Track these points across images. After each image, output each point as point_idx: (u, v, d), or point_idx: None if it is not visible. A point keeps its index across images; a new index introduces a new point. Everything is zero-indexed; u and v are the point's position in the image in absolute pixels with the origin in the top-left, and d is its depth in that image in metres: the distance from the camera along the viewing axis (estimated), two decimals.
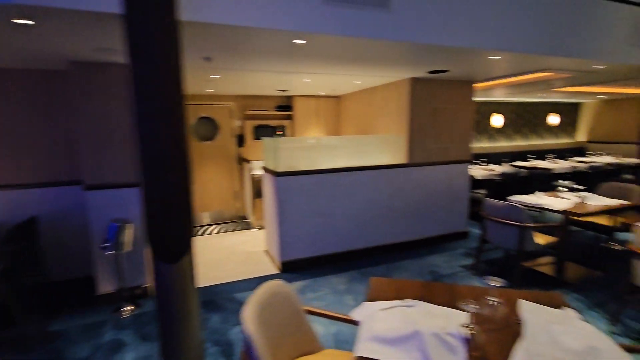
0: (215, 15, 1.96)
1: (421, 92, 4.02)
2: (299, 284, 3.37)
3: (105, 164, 2.90)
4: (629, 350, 1.18)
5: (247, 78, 3.89)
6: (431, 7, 2.44)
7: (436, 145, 4.22)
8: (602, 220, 3.72)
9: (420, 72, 3.69)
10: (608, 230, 3.73)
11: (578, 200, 3.31)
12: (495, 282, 1.29)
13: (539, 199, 3.43)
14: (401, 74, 3.80)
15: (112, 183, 2.93)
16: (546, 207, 3.23)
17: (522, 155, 6.93)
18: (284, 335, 1.44)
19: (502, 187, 5.12)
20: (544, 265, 3.57)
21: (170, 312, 1.92)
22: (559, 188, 3.72)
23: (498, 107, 6.95)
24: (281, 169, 3.58)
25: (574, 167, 5.95)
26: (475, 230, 4.67)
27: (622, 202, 3.31)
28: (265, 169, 3.93)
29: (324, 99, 5.86)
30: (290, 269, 3.66)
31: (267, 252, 4.21)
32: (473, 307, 1.16)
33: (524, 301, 1.48)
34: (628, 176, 6.30)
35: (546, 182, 5.52)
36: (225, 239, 4.91)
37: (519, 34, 2.79)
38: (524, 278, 3.34)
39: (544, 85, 4.81)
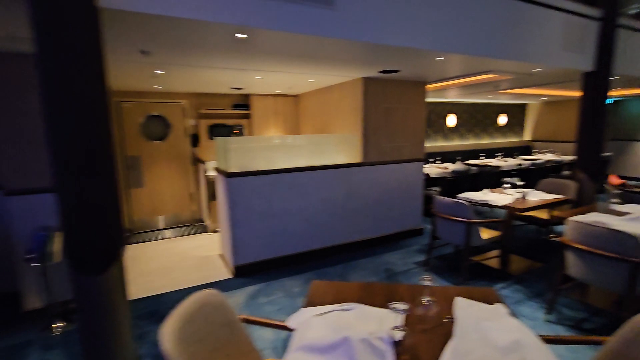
0: (144, 4, 1.81)
1: (374, 91, 4.05)
2: (252, 288, 3.26)
3: (28, 166, 2.61)
4: (549, 341, 1.22)
5: (196, 75, 3.71)
6: (376, 6, 2.44)
7: (390, 144, 4.28)
8: (543, 214, 3.96)
9: (372, 72, 3.71)
10: (546, 224, 3.98)
11: (519, 196, 3.49)
12: (428, 281, 1.28)
13: (485, 195, 3.58)
14: (353, 73, 3.80)
15: (38, 187, 2.65)
16: (491, 203, 3.37)
17: (475, 153, 7.27)
18: (214, 349, 1.35)
19: (454, 184, 5.31)
20: (491, 258, 3.73)
21: (95, 330, 1.75)
22: (504, 185, 3.92)
23: (452, 107, 7.23)
24: (233, 169, 3.45)
25: (520, 164, 6.32)
26: (430, 227, 4.80)
27: (557, 196, 3.54)
28: (217, 170, 3.78)
29: (281, 98, 5.76)
30: (244, 273, 3.54)
31: (221, 256, 4.05)
32: (402, 308, 1.14)
33: (459, 298, 1.50)
34: (566, 172, 6.81)
35: (495, 179, 5.81)
36: (179, 243, 4.67)
37: (463, 36, 2.87)
38: (472, 272, 3.47)
39: (491, 86, 5.05)
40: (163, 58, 2.89)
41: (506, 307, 1.40)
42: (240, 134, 5.68)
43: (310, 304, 1.53)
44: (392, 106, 4.22)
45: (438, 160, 6.37)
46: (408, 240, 4.49)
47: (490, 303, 1.47)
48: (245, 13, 2.06)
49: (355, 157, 4.16)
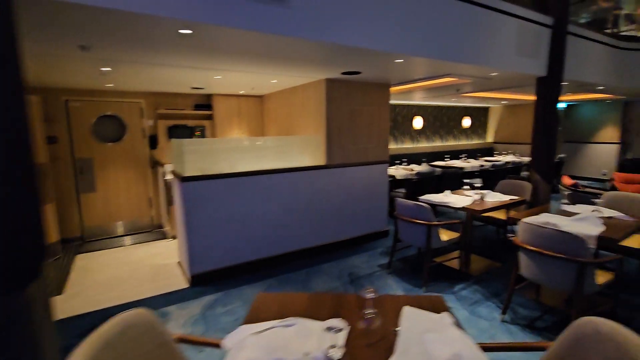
0: None
1: (338, 93, 4.01)
2: (209, 298, 3.10)
3: None
4: (492, 348, 1.20)
5: (149, 72, 3.50)
6: (331, 6, 2.38)
7: (354, 146, 4.25)
8: (501, 215, 4.06)
9: (334, 73, 3.66)
10: (505, 224, 4.09)
11: (478, 197, 3.55)
12: (370, 293, 1.22)
13: (446, 197, 3.61)
14: (315, 74, 3.73)
15: None
16: (451, 205, 3.41)
17: (440, 155, 7.43)
18: None
19: (418, 186, 5.37)
20: (453, 259, 3.78)
21: (11, 357, 1.55)
22: (465, 187, 3.99)
23: (418, 110, 7.35)
24: (188, 173, 3.27)
25: (482, 165, 6.52)
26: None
27: (513, 197, 3.64)
28: (174, 174, 3.58)
29: (245, 99, 5.60)
30: (202, 281, 3.37)
31: (179, 264, 3.85)
32: (338, 327, 1.06)
33: (407, 308, 1.45)
34: (525, 173, 7.11)
35: (458, 180, 5.94)
36: (136, 251, 4.41)
37: (420, 39, 2.87)
38: (434, 273, 3.49)
39: (453, 89, 5.15)
40: (107, 54, 2.69)
41: (452, 317, 1.37)
42: (202, 136, 5.46)
43: (252, 319, 1.43)
44: (356, 108, 4.20)
45: (404, 162, 6.44)
46: (373, 243, 4.48)
47: (438, 311, 1.44)
48: (190, 7, 1.93)
49: (319, 159, 4.10)
